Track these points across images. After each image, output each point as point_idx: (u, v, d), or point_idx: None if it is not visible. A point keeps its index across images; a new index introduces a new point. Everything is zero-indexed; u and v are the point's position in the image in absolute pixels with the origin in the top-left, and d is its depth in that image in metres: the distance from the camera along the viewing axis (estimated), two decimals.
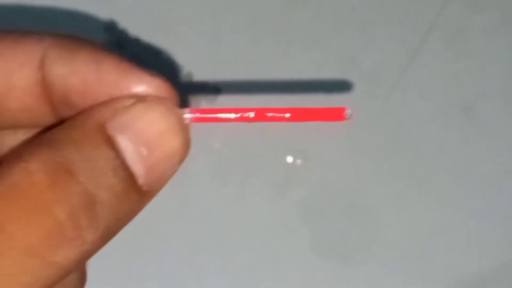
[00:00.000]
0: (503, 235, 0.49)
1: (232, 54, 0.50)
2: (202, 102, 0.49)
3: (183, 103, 0.27)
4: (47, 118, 0.28)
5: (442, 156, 0.50)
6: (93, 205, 0.24)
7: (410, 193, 0.50)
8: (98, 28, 0.49)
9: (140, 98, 0.26)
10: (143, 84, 0.26)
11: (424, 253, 0.49)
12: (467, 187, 0.50)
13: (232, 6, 0.51)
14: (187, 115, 0.27)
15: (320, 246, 0.49)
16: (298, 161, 0.50)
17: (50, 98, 0.27)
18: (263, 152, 0.50)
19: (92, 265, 0.31)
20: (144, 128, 0.25)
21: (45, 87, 0.27)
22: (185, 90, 0.49)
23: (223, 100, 0.49)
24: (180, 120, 0.26)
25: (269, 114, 0.27)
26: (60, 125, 0.26)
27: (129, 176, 0.25)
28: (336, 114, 0.27)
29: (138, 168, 0.25)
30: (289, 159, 0.50)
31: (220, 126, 0.49)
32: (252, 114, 0.27)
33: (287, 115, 0.27)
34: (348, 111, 0.27)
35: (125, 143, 0.25)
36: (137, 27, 0.49)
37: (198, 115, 0.27)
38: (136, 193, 0.25)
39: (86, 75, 0.26)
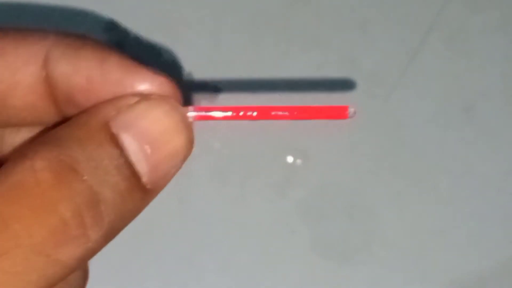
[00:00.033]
0: (503, 235, 0.49)
1: (232, 54, 0.50)
2: (202, 101, 0.49)
3: (184, 103, 0.27)
4: (51, 116, 0.28)
5: (442, 156, 0.50)
6: (97, 203, 0.24)
7: (410, 193, 0.50)
8: (98, 28, 0.49)
9: (144, 97, 0.26)
10: (147, 82, 0.26)
11: (424, 253, 0.49)
12: (467, 187, 0.50)
13: (232, 6, 0.51)
14: (191, 113, 0.27)
15: (320, 246, 0.49)
16: (298, 161, 0.50)
17: (53, 96, 0.27)
18: (263, 152, 0.50)
19: (93, 265, 0.31)
20: (148, 126, 0.26)
21: (49, 85, 0.27)
22: (185, 90, 0.49)
23: (224, 99, 0.49)
24: (184, 118, 0.26)
25: (273, 113, 0.27)
26: (64, 124, 0.26)
27: (133, 174, 0.25)
28: (339, 113, 0.27)
29: (142, 166, 0.25)
30: (289, 159, 0.50)
31: (220, 126, 0.49)
32: (255, 113, 0.27)
33: (291, 113, 0.27)
34: (351, 110, 0.27)
35: (129, 141, 0.25)
36: (137, 27, 0.49)
37: (201, 113, 0.27)
38: (139, 191, 0.26)
39: (90, 73, 0.26)
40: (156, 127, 0.26)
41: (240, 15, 0.51)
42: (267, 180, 0.50)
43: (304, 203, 0.50)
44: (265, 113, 0.27)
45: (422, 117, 0.50)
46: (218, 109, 0.27)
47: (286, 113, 0.27)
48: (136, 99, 0.26)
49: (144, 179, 0.26)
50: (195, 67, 0.49)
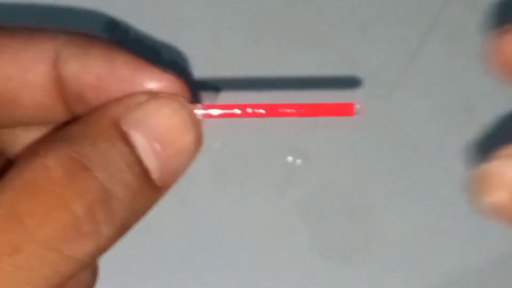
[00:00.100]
0: (503, 235, 0.49)
1: (232, 54, 0.50)
2: (202, 101, 0.49)
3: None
4: (60, 115, 0.28)
5: (442, 156, 0.50)
6: (108, 200, 0.25)
7: (410, 193, 0.50)
8: (98, 28, 0.49)
9: (153, 95, 0.26)
10: (155, 81, 0.26)
11: (424, 253, 0.49)
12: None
13: (232, 6, 0.51)
14: (199, 111, 0.27)
15: (320, 246, 0.49)
16: (298, 161, 0.50)
17: (63, 95, 0.27)
18: (263, 152, 0.50)
19: None
20: (158, 124, 0.26)
21: (59, 84, 0.27)
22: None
23: (226, 97, 0.49)
24: (193, 116, 0.27)
25: (280, 110, 0.27)
26: (75, 122, 0.26)
27: (143, 171, 0.26)
28: (345, 110, 0.27)
29: (151, 163, 0.26)
30: (289, 159, 0.50)
31: (220, 126, 0.49)
32: (263, 110, 0.27)
33: (298, 111, 0.27)
34: (357, 107, 0.27)
35: (139, 139, 0.26)
36: (137, 27, 0.49)
37: (209, 111, 0.27)
38: (150, 188, 0.26)
39: (99, 72, 0.26)
40: (165, 125, 0.26)
41: (240, 15, 0.51)
42: (267, 180, 0.50)
43: (304, 203, 0.50)
44: (272, 111, 0.27)
45: (422, 117, 0.50)
46: (226, 107, 0.27)
47: (293, 111, 0.27)
48: (145, 97, 0.26)
49: (154, 176, 0.26)
50: (195, 67, 0.49)
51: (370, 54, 0.50)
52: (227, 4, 0.51)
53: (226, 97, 0.49)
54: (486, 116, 0.50)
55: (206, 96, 0.49)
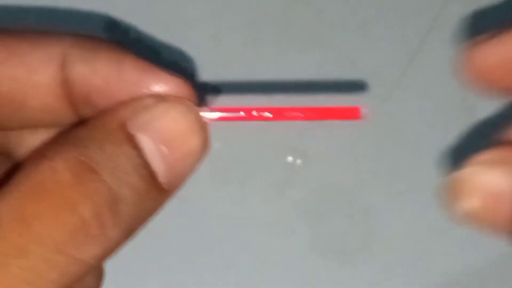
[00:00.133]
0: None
1: (232, 54, 0.50)
2: (202, 102, 0.49)
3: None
4: (67, 117, 0.28)
5: (442, 156, 0.50)
6: (116, 203, 0.25)
7: (410, 193, 0.50)
8: (98, 28, 0.49)
9: (160, 98, 0.26)
10: (163, 84, 0.27)
11: (424, 253, 0.49)
12: None
13: (232, 6, 0.51)
14: (206, 114, 0.27)
15: (320, 246, 0.49)
16: (298, 161, 0.50)
17: (70, 98, 0.27)
18: (263, 152, 0.50)
19: None
20: (165, 127, 0.26)
21: (66, 86, 0.27)
22: None
23: (228, 99, 0.49)
24: (199, 119, 0.27)
25: (287, 114, 0.27)
26: (82, 125, 0.27)
27: (150, 174, 0.26)
28: (352, 114, 0.27)
29: (158, 167, 0.26)
30: (289, 159, 0.50)
31: (220, 126, 0.49)
32: (269, 114, 0.27)
33: (304, 114, 0.27)
34: (364, 111, 0.27)
35: (146, 142, 0.26)
36: (137, 27, 0.49)
37: (216, 114, 0.28)
38: (156, 191, 0.26)
39: (107, 75, 0.26)
40: (172, 128, 0.26)
41: (240, 15, 0.51)
42: (267, 180, 0.50)
43: (304, 203, 0.50)
44: (279, 114, 0.27)
45: (422, 117, 0.50)
46: (233, 110, 0.27)
47: (300, 114, 0.27)
48: (152, 100, 0.26)
49: (161, 179, 0.26)
50: (195, 67, 0.49)
51: (370, 54, 0.50)
52: (227, 4, 0.51)
53: (228, 99, 0.49)
54: (486, 116, 0.50)
55: (205, 97, 0.49)
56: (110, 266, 0.47)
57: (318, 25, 0.51)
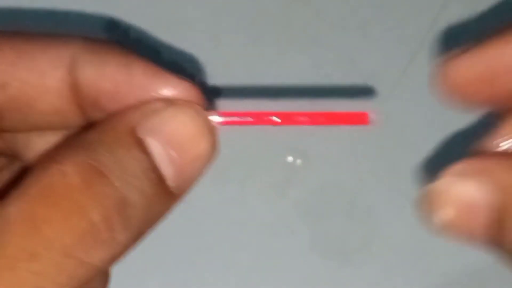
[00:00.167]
0: None
1: (232, 54, 0.50)
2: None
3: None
4: (76, 121, 0.28)
5: (442, 156, 0.50)
6: (125, 207, 0.25)
7: (410, 193, 0.50)
8: (98, 28, 0.49)
9: (169, 102, 0.26)
10: (171, 88, 0.27)
11: (424, 253, 0.49)
12: None
13: (232, 6, 0.51)
14: (215, 118, 0.27)
15: (320, 246, 0.49)
16: (298, 161, 0.50)
17: (79, 101, 0.28)
18: (263, 152, 0.50)
19: None
20: (174, 131, 0.26)
21: (75, 90, 0.27)
22: None
23: (230, 102, 0.49)
24: (208, 123, 0.27)
25: (295, 118, 0.27)
26: (91, 128, 0.27)
27: (159, 178, 0.26)
28: (360, 119, 0.27)
29: (167, 171, 0.26)
30: (289, 159, 0.50)
31: (220, 126, 0.49)
32: (278, 119, 0.27)
33: (312, 119, 0.27)
34: (372, 116, 0.27)
35: (155, 146, 0.26)
36: (137, 27, 0.49)
37: (225, 118, 0.28)
38: (165, 195, 0.26)
39: (116, 78, 0.27)
40: (181, 132, 0.26)
41: (240, 15, 0.51)
42: (267, 180, 0.50)
43: (304, 203, 0.50)
44: (287, 119, 0.27)
45: (422, 117, 0.50)
46: (241, 114, 0.27)
47: (308, 119, 0.27)
48: (161, 104, 0.26)
49: (170, 183, 0.26)
50: (195, 67, 0.49)
51: (370, 54, 0.50)
52: (227, 4, 0.51)
53: (230, 101, 0.49)
54: (486, 116, 0.50)
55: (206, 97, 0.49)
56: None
57: (318, 25, 0.51)
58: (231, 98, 0.49)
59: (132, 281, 0.48)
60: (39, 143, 0.30)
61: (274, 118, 0.27)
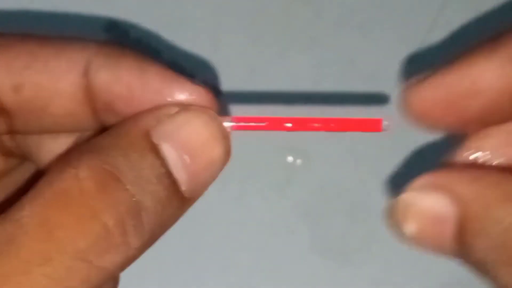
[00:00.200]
0: None
1: (232, 54, 0.50)
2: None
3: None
4: (89, 124, 0.29)
5: (443, 156, 0.50)
6: (139, 211, 0.25)
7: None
8: (98, 28, 0.49)
9: (183, 107, 0.27)
10: (186, 92, 0.27)
11: (424, 253, 0.49)
12: None
13: (232, 6, 0.50)
14: (228, 124, 0.28)
15: (320, 246, 0.49)
16: (298, 161, 0.50)
17: (93, 105, 0.28)
18: (263, 152, 0.50)
19: None
20: (188, 136, 0.26)
21: (89, 93, 0.27)
22: None
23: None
24: (222, 128, 0.27)
25: (308, 124, 0.27)
26: (105, 132, 0.27)
27: (172, 183, 0.26)
28: (373, 126, 0.27)
29: (181, 176, 0.26)
30: (289, 159, 0.50)
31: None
32: (290, 124, 0.27)
33: (325, 125, 0.27)
34: (385, 123, 0.27)
35: (169, 151, 0.26)
36: (136, 27, 0.49)
37: (239, 123, 0.28)
38: (178, 200, 0.26)
39: (130, 82, 0.27)
40: (195, 137, 0.26)
41: (240, 15, 0.50)
42: (267, 180, 0.50)
43: (304, 203, 0.50)
44: (300, 125, 0.27)
45: None
46: (255, 120, 0.27)
47: (321, 125, 0.27)
48: (175, 109, 0.26)
49: (183, 188, 0.26)
50: (195, 67, 0.49)
51: (370, 54, 0.50)
52: (227, 4, 0.50)
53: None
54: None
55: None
56: None
57: (318, 25, 0.51)
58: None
59: (132, 281, 0.48)
60: (52, 146, 0.30)
61: (287, 124, 0.27)
